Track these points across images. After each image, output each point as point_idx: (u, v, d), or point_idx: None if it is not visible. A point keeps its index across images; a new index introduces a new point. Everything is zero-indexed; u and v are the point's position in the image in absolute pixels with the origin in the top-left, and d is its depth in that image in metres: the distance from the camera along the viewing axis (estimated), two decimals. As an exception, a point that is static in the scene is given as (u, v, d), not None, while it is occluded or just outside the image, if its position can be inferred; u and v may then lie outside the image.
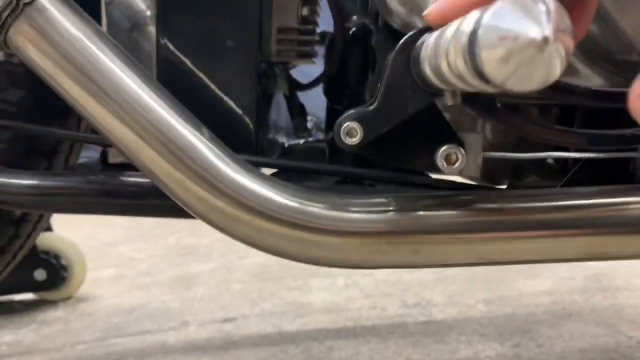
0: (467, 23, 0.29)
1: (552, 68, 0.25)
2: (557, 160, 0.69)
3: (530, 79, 0.25)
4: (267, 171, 0.61)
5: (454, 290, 1.26)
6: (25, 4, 0.46)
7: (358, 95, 0.76)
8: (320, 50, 0.81)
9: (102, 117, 0.48)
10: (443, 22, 0.38)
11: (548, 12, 0.24)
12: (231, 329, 1.13)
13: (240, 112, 0.66)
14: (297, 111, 0.83)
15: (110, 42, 0.50)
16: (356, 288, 1.32)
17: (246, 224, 0.48)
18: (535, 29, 0.23)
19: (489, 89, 0.30)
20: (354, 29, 0.74)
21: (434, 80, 0.40)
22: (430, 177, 0.60)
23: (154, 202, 0.63)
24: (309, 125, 0.94)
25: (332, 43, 0.73)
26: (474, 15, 0.28)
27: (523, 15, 0.24)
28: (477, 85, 0.30)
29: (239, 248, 1.70)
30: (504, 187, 0.67)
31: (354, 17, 0.76)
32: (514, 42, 0.24)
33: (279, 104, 0.89)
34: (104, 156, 0.66)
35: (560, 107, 0.64)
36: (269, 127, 0.89)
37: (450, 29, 0.33)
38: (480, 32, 0.26)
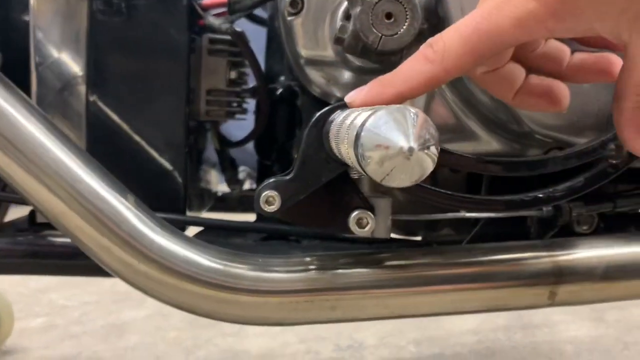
0: (358, 120, 0.33)
1: (422, 168, 0.29)
2: (467, 214, 0.75)
3: (404, 178, 0.29)
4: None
5: (386, 332, 1.29)
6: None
7: (285, 152, 0.80)
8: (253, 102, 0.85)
9: (29, 185, 0.50)
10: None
11: (414, 125, 0.28)
12: (164, 379, 1.13)
13: (169, 169, 0.68)
14: (228, 165, 0.86)
15: (37, 112, 0.52)
16: (292, 332, 1.33)
17: (170, 287, 0.50)
18: (403, 140, 0.28)
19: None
20: (281, 89, 0.78)
21: (340, 157, 0.44)
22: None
23: (83, 262, 0.64)
24: (241, 175, 0.98)
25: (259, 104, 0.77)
26: (363, 115, 0.32)
27: (395, 127, 0.28)
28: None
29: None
30: (419, 238, 0.71)
31: (282, 78, 0.80)
32: (386, 150, 0.28)
33: (211, 155, 0.92)
34: (32, 215, 0.67)
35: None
36: (200, 179, 0.91)
37: (350, 118, 0.38)
38: (362, 135, 0.30)
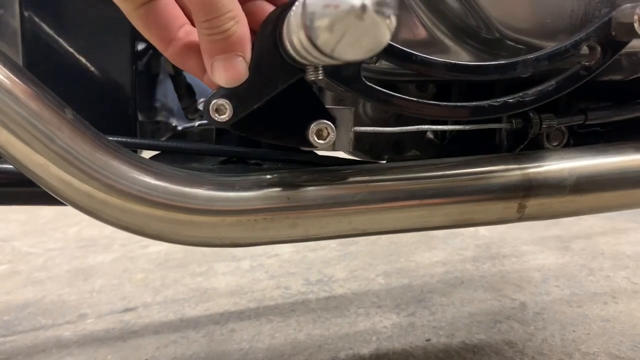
0: (307, -6, 0.29)
1: (378, 34, 0.25)
2: (435, 133, 0.72)
3: (357, 45, 0.25)
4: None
5: (355, 265, 1.29)
6: None
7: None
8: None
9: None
10: None
11: (367, -18, 0.24)
12: (131, 319, 1.10)
13: (115, 92, 0.63)
14: (184, 92, 0.81)
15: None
16: (261, 270, 1.32)
17: (116, 208, 0.47)
18: (354, -2, 0.24)
19: (330, 62, 0.30)
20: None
21: (295, 56, 0.40)
22: (315, 155, 0.61)
23: (25, 189, 0.60)
24: (201, 106, 0.93)
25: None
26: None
27: (344, -15, 0.24)
28: (321, 59, 0.30)
29: (142, 238, 1.67)
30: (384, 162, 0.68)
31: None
32: (336, 10, 0.24)
33: (168, 87, 0.87)
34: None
35: (437, 85, 0.67)
36: (155, 109, 0.86)
37: (298, 3, 0.33)
38: (307, 2, 0.26)
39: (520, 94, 0.49)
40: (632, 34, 0.49)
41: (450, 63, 0.48)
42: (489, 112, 0.48)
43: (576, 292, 1.08)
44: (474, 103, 0.48)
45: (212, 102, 0.45)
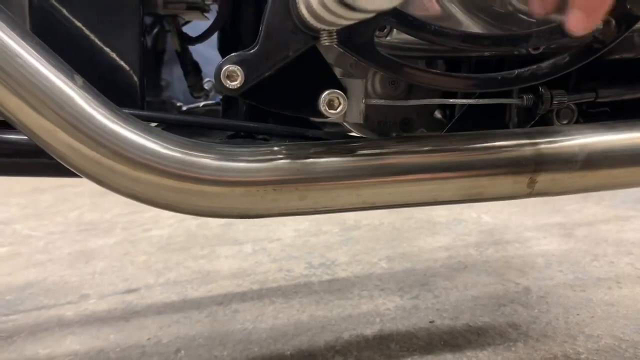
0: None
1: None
2: (444, 112, 0.71)
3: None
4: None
5: (358, 250, 1.29)
6: None
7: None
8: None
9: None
10: None
11: None
12: (133, 300, 1.10)
13: (122, 66, 0.62)
14: (191, 69, 0.80)
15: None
16: (264, 253, 1.32)
17: (124, 176, 0.46)
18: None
19: (350, 16, 0.30)
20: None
21: (310, 19, 0.39)
22: (323, 131, 0.60)
23: (32, 160, 0.59)
24: (207, 86, 0.92)
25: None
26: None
27: None
28: (340, 12, 0.30)
29: (144, 221, 1.66)
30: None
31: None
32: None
33: (173, 68, 0.86)
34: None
35: (446, 62, 0.66)
36: (160, 87, 0.85)
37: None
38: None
39: (534, 67, 0.49)
40: (648, 7, 0.49)
41: (464, 33, 0.47)
42: (501, 84, 0.48)
43: (580, 277, 1.08)
44: (486, 75, 0.48)
45: (224, 69, 0.44)
